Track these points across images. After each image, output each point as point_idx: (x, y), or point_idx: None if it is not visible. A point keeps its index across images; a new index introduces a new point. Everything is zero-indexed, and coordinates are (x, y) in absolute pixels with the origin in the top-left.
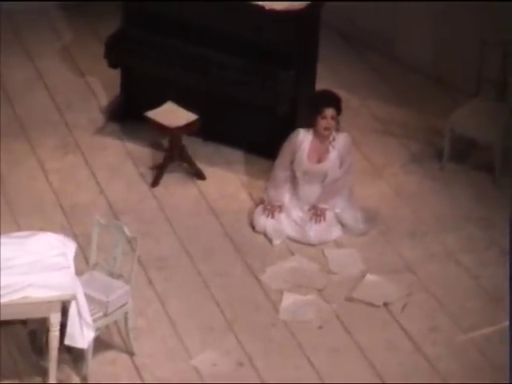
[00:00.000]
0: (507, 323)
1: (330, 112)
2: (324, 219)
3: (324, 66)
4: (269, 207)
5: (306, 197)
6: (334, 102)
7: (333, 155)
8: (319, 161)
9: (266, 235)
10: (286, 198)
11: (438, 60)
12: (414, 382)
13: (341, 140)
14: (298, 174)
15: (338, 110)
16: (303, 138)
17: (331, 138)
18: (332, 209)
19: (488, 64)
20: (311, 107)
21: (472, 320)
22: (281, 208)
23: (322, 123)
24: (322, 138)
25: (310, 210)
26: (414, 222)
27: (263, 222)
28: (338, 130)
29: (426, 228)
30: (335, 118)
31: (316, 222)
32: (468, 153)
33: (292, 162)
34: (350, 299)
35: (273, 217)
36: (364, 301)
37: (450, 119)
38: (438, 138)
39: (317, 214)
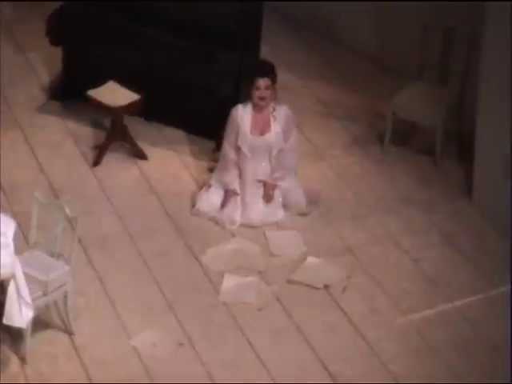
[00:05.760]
0: (447, 306)
1: (262, 82)
2: (272, 198)
3: (268, 47)
4: (224, 197)
5: (252, 177)
6: (266, 71)
7: (276, 127)
8: (262, 133)
9: (216, 221)
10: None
11: (381, 43)
12: (354, 364)
13: (282, 112)
14: (245, 150)
15: (272, 78)
16: (243, 113)
17: (271, 109)
18: (281, 186)
19: (429, 48)
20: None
21: (411, 303)
22: (235, 192)
23: (256, 93)
24: (259, 109)
25: (259, 188)
26: (356, 205)
27: (207, 206)
28: (275, 98)
29: (367, 210)
30: (270, 88)
31: (267, 201)
32: (409, 136)
33: (236, 139)
34: (290, 281)
35: (229, 204)
36: (304, 283)
37: (392, 102)
38: (380, 121)
39: (268, 193)
